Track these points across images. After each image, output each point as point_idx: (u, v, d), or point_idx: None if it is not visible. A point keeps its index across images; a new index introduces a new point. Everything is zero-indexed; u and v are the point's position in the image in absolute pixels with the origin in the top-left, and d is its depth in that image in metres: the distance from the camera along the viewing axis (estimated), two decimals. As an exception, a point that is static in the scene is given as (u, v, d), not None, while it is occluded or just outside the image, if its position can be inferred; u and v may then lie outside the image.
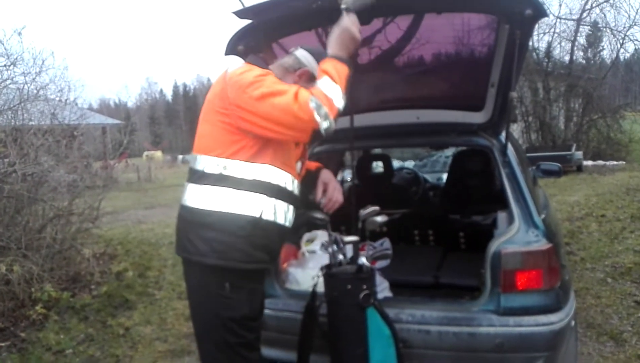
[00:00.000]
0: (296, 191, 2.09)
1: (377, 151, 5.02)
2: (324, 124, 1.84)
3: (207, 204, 1.95)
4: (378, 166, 4.55)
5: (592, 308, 3.82)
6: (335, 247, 2.30)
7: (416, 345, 2.25)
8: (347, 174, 4.83)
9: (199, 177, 1.98)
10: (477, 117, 2.75)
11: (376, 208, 2.32)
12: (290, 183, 2.03)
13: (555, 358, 2.20)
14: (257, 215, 1.91)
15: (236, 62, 2.00)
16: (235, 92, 1.88)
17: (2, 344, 3.60)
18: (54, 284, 4.38)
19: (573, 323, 2.32)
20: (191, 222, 1.99)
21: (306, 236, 3.11)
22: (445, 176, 5.22)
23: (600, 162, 14.24)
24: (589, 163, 13.91)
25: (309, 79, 2.01)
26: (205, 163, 1.97)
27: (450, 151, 6.84)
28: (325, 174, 2.34)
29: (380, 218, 2.31)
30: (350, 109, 3.07)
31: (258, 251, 1.95)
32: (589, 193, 8.92)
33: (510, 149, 2.67)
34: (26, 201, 4.59)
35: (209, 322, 1.99)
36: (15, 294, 4.07)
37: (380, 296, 2.47)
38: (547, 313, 2.16)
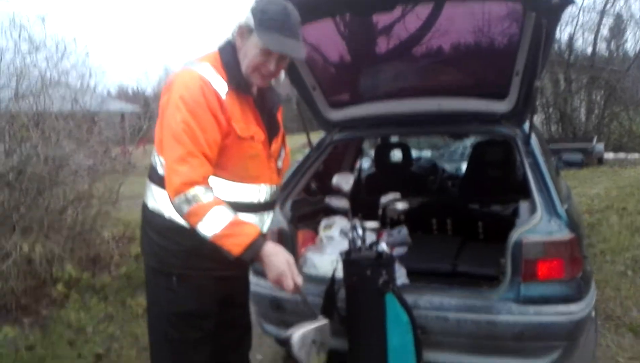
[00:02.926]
0: (268, 198, 1.92)
1: (396, 139, 5.00)
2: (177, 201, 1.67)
3: (153, 204, 1.86)
4: (396, 155, 4.53)
5: (611, 300, 3.78)
6: (355, 233, 2.30)
7: (434, 332, 2.26)
8: (365, 161, 4.82)
9: (150, 173, 1.89)
10: (500, 106, 2.72)
11: (397, 194, 2.32)
12: (254, 194, 1.86)
13: (575, 347, 2.19)
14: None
15: (190, 66, 1.77)
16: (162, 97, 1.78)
17: (26, 320, 3.69)
18: (75, 264, 4.45)
19: (593, 313, 2.31)
20: (143, 219, 1.93)
21: (324, 222, 3.13)
22: (463, 166, 5.18)
23: (622, 155, 13.97)
24: (610, 155, 13.65)
25: (246, 34, 1.75)
26: (154, 159, 1.86)
27: (469, 141, 6.78)
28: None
29: (401, 205, 2.30)
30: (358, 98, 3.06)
31: (204, 260, 1.80)
32: (609, 185, 8.77)
33: (533, 139, 2.64)
34: (47, 184, 4.66)
35: (155, 314, 1.93)
36: (37, 273, 4.16)
37: (397, 283, 2.47)
38: (567, 303, 2.14)
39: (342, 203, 2.39)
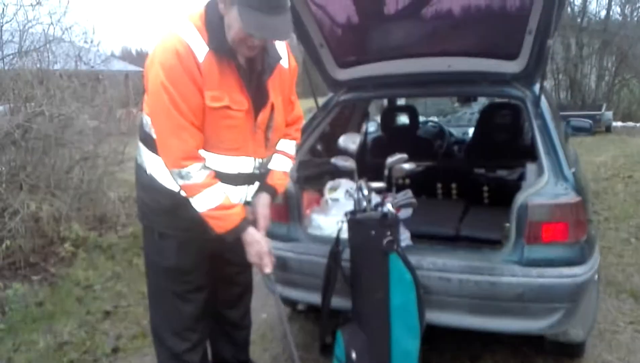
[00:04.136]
0: (251, 171, 1.87)
1: (403, 102, 4.93)
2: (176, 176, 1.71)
3: (140, 160, 1.89)
4: (403, 118, 4.49)
5: (613, 266, 3.80)
6: (360, 193, 2.30)
7: (437, 292, 2.27)
8: (371, 125, 4.77)
9: (139, 129, 1.89)
10: (511, 67, 2.66)
11: (404, 155, 2.30)
12: (234, 166, 1.81)
13: (576, 310, 2.21)
14: (177, 190, 1.78)
15: (173, 27, 1.69)
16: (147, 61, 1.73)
17: (35, 278, 3.76)
18: (81, 224, 4.50)
19: (596, 277, 2.32)
20: (135, 174, 1.96)
21: (329, 184, 3.12)
22: (471, 131, 5.13)
23: (630, 123, 13.83)
24: (619, 124, 13.52)
25: (228, 3, 1.62)
26: (143, 119, 1.84)
27: (476, 107, 6.71)
28: (261, 203, 1.97)
29: (407, 166, 2.29)
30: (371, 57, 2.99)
31: (183, 221, 1.82)
32: (616, 154, 8.71)
33: (543, 101, 2.60)
34: (53, 143, 4.66)
35: (147, 266, 2.01)
36: (44, 232, 4.21)
37: (401, 245, 2.48)
38: (571, 266, 2.15)
39: (348, 163, 2.38)
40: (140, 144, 1.88)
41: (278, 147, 2.02)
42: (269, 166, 1.98)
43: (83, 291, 3.67)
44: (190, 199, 1.73)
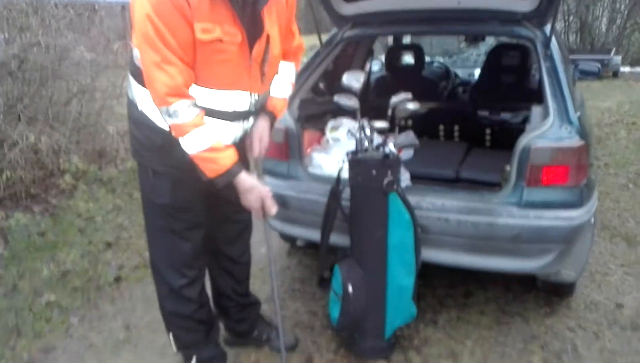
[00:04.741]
0: (247, 107, 1.80)
1: (409, 40, 4.80)
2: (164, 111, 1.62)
3: (131, 94, 1.81)
4: (408, 57, 4.38)
5: (609, 211, 3.84)
6: (362, 133, 2.28)
7: (434, 232, 2.31)
8: (375, 64, 4.67)
9: (130, 62, 1.79)
10: (522, 5, 2.56)
11: (408, 95, 2.26)
12: (229, 102, 1.74)
13: (570, 251, 2.25)
14: (167, 129, 1.69)
15: None
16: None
17: (36, 208, 3.80)
18: (81, 157, 4.50)
19: (592, 220, 2.35)
20: (127, 110, 1.89)
21: (331, 123, 3.09)
22: (477, 72, 5.03)
23: (639, 69, 13.54)
24: (627, 69, 13.24)
25: None
26: (134, 52, 1.74)
27: (484, 48, 6.55)
28: (258, 127, 1.93)
29: (411, 106, 2.25)
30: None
31: (175, 159, 1.75)
32: (622, 99, 8.59)
33: (553, 43, 2.52)
34: (50, 75, 4.58)
35: (144, 202, 1.97)
36: (44, 164, 4.22)
37: (402, 185, 2.49)
38: (568, 209, 2.17)
39: (351, 101, 2.34)
40: (131, 78, 1.79)
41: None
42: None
43: (84, 222, 3.72)
44: (180, 139, 1.65)
